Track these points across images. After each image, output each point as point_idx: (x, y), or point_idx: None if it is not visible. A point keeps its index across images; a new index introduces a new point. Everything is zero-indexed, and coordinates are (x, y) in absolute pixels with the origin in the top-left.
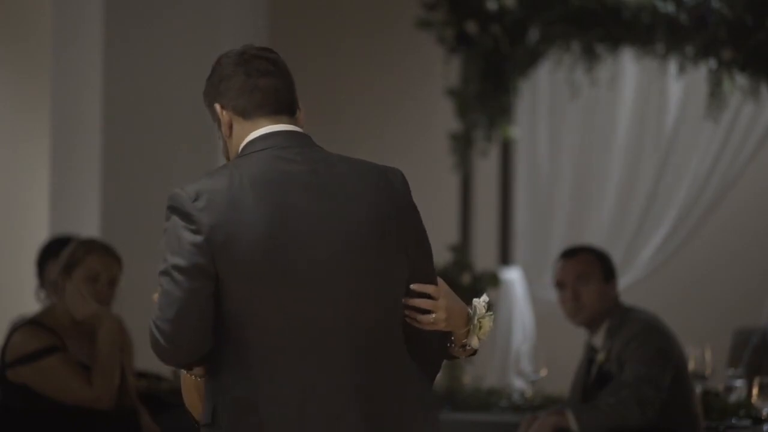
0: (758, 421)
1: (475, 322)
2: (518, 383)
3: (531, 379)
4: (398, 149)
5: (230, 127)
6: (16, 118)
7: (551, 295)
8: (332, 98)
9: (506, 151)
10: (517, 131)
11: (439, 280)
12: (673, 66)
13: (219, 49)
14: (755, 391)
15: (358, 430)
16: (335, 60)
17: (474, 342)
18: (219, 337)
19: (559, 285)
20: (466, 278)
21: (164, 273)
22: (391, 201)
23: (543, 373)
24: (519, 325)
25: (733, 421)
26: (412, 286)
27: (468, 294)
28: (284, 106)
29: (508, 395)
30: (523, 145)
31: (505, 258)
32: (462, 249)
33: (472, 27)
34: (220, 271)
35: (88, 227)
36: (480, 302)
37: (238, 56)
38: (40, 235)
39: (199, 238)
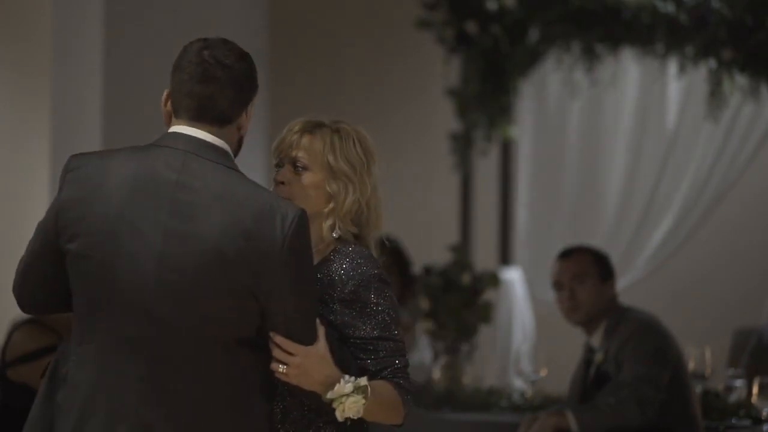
0: (758, 421)
1: (335, 398)
2: (518, 383)
3: (531, 379)
4: (398, 149)
5: (169, 117)
6: (16, 118)
7: (551, 295)
8: (332, 98)
9: (506, 151)
10: (517, 131)
11: (319, 337)
12: (673, 66)
13: None
14: (755, 391)
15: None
16: (335, 60)
17: (338, 416)
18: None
19: (557, 285)
20: (466, 278)
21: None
22: (250, 244)
23: (543, 373)
24: (519, 325)
25: (733, 421)
26: (274, 337)
27: (468, 294)
28: (210, 115)
29: (508, 395)
30: (523, 145)
31: (505, 258)
32: (462, 249)
33: (472, 27)
34: (61, 244)
35: None
36: (347, 383)
37: (197, 54)
38: None
39: (55, 206)
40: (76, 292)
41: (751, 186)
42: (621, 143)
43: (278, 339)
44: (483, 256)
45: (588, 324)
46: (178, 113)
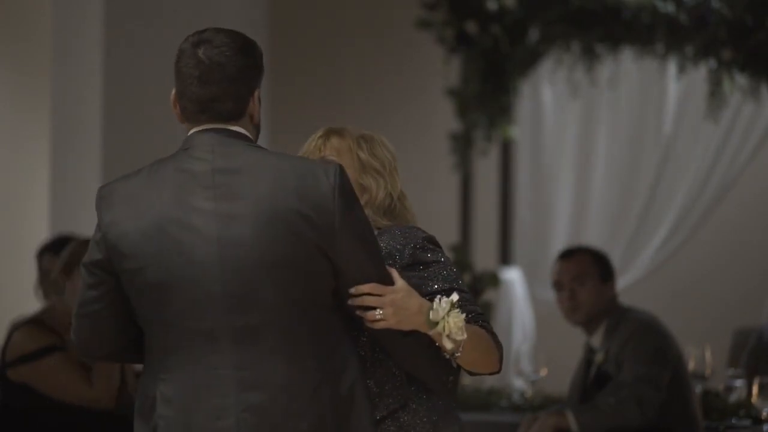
0: (758, 421)
1: (438, 320)
2: (518, 383)
3: (531, 379)
4: (398, 149)
5: (181, 116)
6: (16, 118)
7: (551, 295)
8: (332, 98)
9: (506, 151)
10: (517, 131)
11: (396, 277)
12: (673, 66)
13: None
14: (755, 391)
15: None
16: (335, 60)
17: (447, 345)
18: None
19: (557, 286)
20: (466, 278)
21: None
22: (304, 201)
23: (543, 373)
24: (519, 325)
25: (733, 421)
26: (358, 289)
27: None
28: (218, 115)
29: (508, 395)
30: (523, 145)
31: (505, 258)
32: (462, 249)
33: (472, 27)
34: (116, 267)
35: (88, 227)
36: (440, 302)
37: (192, 54)
38: (40, 235)
39: (98, 235)
40: (140, 310)
41: (751, 186)
42: (621, 143)
43: (365, 286)
44: (483, 256)
45: (588, 324)
46: (189, 117)
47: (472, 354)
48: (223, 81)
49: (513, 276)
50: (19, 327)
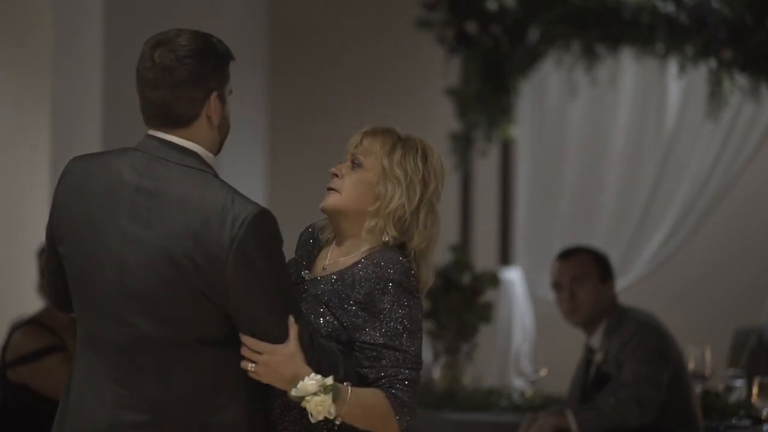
0: (758, 421)
1: (299, 395)
2: (518, 383)
3: (531, 379)
4: None
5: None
6: (16, 118)
7: (551, 295)
8: (332, 98)
9: (506, 151)
10: (517, 131)
11: (291, 337)
12: (673, 66)
13: None
14: (755, 391)
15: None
16: (335, 60)
17: (311, 419)
18: None
19: (556, 286)
20: (466, 278)
21: None
22: (198, 247)
23: (543, 373)
24: (519, 325)
25: (733, 421)
26: (242, 337)
27: (468, 294)
28: (170, 119)
29: (508, 395)
30: (523, 145)
31: (505, 258)
32: (462, 249)
33: (472, 27)
34: (57, 244)
35: None
36: (310, 381)
37: (149, 57)
38: (40, 235)
39: (51, 210)
40: (71, 294)
41: (751, 186)
42: (621, 143)
43: (244, 338)
44: (483, 256)
45: (588, 324)
46: (145, 120)
47: (355, 419)
48: (175, 85)
49: (513, 276)
50: (19, 327)
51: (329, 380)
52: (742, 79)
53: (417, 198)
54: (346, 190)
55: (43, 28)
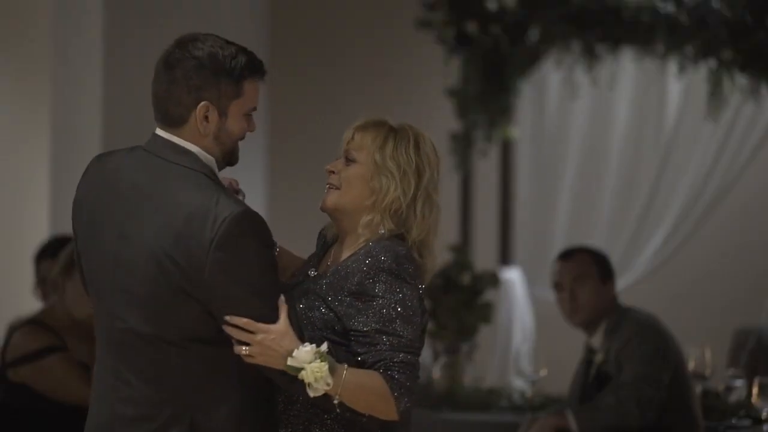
0: (758, 421)
1: (298, 367)
2: (518, 383)
3: (531, 379)
4: None
5: None
6: (16, 118)
7: (551, 295)
8: (332, 98)
9: (506, 151)
10: (517, 131)
11: (281, 316)
12: (673, 66)
13: None
14: (755, 391)
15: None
16: (335, 60)
17: (309, 393)
18: None
19: (557, 286)
20: (466, 278)
21: None
22: (179, 248)
23: (543, 373)
24: (519, 325)
25: (733, 421)
26: (232, 320)
27: (468, 294)
28: (162, 116)
29: (508, 395)
30: (523, 145)
31: (505, 258)
32: (462, 249)
33: (472, 27)
34: (75, 240)
35: None
36: (304, 350)
37: (168, 49)
38: (40, 235)
39: (72, 207)
40: (86, 287)
41: (751, 186)
42: (621, 143)
43: (236, 320)
44: (483, 256)
45: (588, 325)
46: (154, 115)
47: (353, 398)
48: (169, 83)
49: (513, 276)
50: (19, 327)
51: (324, 347)
52: (742, 79)
53: (412, 189)
54: (342, 188)
55: (43, 28)
